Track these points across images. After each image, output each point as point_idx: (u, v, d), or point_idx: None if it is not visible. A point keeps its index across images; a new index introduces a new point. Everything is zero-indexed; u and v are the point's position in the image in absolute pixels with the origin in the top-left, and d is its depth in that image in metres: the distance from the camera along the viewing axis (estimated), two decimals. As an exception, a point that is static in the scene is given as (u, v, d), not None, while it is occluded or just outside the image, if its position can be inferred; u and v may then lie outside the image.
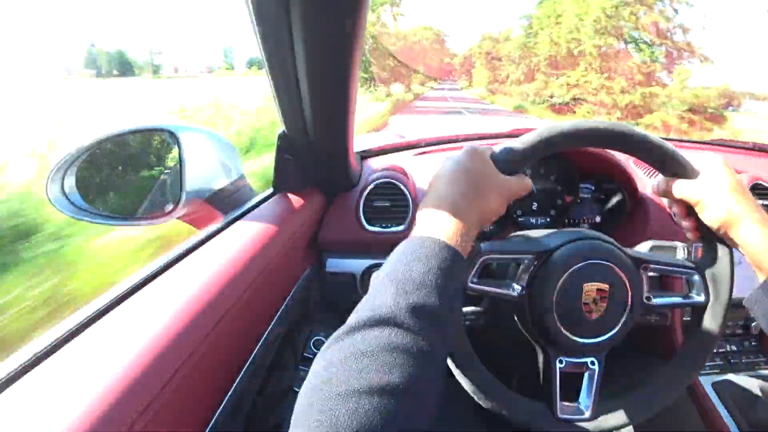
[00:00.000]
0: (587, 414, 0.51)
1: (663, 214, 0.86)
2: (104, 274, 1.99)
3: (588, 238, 0.52)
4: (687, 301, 0.54)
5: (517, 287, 0.51)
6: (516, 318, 0.56)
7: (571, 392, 0.53)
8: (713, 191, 0.49)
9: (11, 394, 0.32)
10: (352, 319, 0.36)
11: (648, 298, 0.53)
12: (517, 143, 0.49)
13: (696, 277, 0.54)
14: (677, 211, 0.55)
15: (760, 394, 0.78)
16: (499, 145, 0.49)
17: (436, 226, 0.41)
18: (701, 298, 0.53)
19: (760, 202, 0.89)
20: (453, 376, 0.49)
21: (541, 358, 0.54)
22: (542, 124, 0.52)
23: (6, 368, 0.35)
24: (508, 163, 0.48)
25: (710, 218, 0.49)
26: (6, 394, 0.32)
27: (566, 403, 0.52)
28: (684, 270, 0.54)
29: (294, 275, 0.73)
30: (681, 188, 0.51)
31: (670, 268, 0.54)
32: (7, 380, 0.34)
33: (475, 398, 0.50)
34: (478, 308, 0.76)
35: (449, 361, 0.49)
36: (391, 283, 0.36)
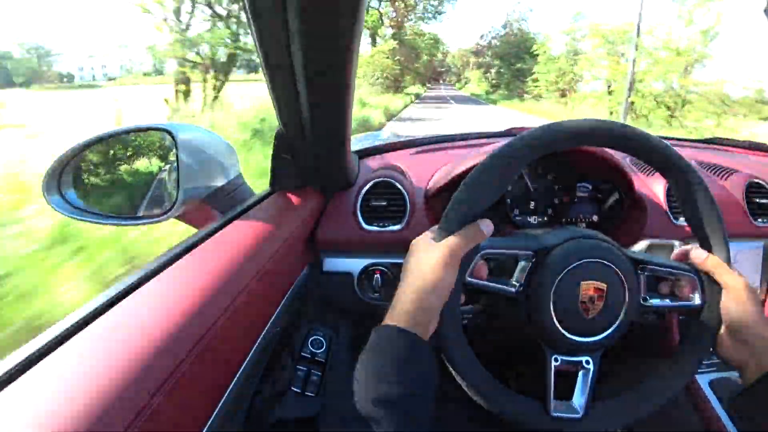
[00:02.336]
0: (580, 413, 0.52)
1: (660, 214, 0.86)
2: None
3: (587, 237, 0.53)
4: (683, 303, 0.55)
5: (515, 284, 0.52)
6: (513, 315, 0.56)
7: (567, 391, 0.53)
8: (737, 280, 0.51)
9: (7, 394, 0.32)
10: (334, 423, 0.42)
11: (645, 299, 0.54)
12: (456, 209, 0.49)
13: (694, 279, 0.54)
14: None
15: None
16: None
17: (394, 317, 0.45)
18: (698, 300, 0.53)
19: (756, 200, 0.90)
20: (448, 372, 0.49)
21: (536, 355, 0.54)
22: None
23: (3, 367, 0.34)
24: (455, 224, 0.49)
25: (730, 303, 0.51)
26: (2, 394, 0.32)
27: (560, 402, 0.52)
28: (681, 272, 0.54)
29: (291, 275, 0.73)
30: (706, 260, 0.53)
31: (668, 270, 0.54)
32: (4, 380, 0.33)
33: (470, 394, 0.50)
34: (475, 306, 0.76)
35: (445, 358, 0.49)
36: (356, 379, 0.41)
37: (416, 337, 0.42)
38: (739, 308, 0.50)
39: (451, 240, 0.47)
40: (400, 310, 0.44)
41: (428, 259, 0.47)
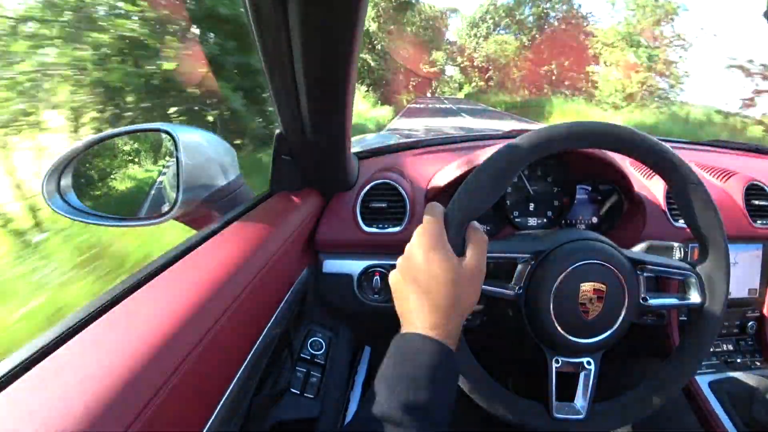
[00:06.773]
0: (583, 414, 0.52)
1: (659, 215, 0.86)
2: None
3: (585, 238, 0.53)
4: (683, 302, 0.55)
5: (515, 287, 0.52)
6: (513, 318, 0.56)
7: (568, 393, 0.53)
8: None
9: (7, 394, 0.32)
10: (355, 422, 0.39)
11: (644, 299, 0.54)
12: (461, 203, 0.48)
13: (692, 278, 0.54)
14: None
15: (756, 393, 0.78)
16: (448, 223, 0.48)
17: (421, 324, 0.43)
18: (698, 299, 0.53)
19: (755, 202, 0.90)
20: None
21: (537, 357, 0.54)
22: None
23: (3, 367, 0.34)
24: (461, 224, 0.48)
25: None
26: (2, 394, 0.32)
27: (562, 403, 0.52)
28: (680, 271, 0.54)
29: (291, 276, 0.73)
30: None
31: (667, 269, 0.54)
32: (5, 380, 0.33)
33: (472, 397, 0.50)
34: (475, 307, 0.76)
35: None
36: (384, 383, 0.40)
37: (448, 348, 0.42)
38: None
39: (474, 257, 0.46)
40: (430, 323, 0.43)
41: (455, 276, 0.44)
